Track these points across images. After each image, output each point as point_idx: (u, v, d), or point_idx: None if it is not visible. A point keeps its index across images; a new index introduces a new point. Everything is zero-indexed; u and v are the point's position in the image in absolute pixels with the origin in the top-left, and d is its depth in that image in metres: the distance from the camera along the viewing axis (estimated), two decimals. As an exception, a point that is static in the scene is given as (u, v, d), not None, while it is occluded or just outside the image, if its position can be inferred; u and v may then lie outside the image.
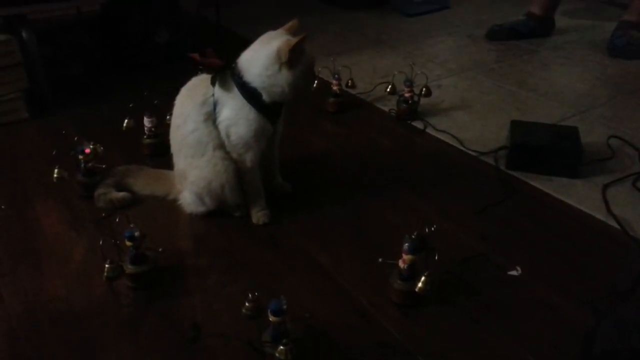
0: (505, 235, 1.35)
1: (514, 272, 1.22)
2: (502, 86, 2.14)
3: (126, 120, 1.70)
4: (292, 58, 1.21)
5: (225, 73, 1.28)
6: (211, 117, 1.30)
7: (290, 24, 1.30)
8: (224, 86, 1.28)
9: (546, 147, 1.56)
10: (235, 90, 1.27)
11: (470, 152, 1.69)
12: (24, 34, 1.87)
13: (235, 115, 1.28)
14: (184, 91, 1.36)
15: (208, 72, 1.31)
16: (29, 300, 1.17)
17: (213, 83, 1.29)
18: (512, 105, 1.99)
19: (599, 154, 1.64)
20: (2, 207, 1.45)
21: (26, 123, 1.88)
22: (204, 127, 1.30)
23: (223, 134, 1.30)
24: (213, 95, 1.29)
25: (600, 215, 1.40)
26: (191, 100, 1.32)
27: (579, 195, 1.48)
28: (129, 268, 1.18)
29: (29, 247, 1.32)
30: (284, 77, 1.23)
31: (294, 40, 1.21)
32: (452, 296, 1.16)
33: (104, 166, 1.47)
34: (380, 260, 1.13)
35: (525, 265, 1.24)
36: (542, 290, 1.18)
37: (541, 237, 1.34)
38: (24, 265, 1.26)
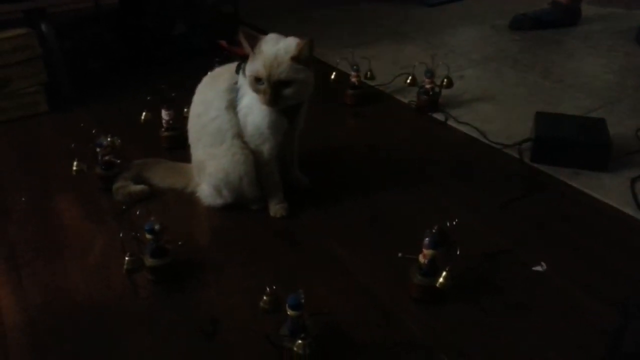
0: (530, 230, 1.32)
1: (538, 268, 1.19)
2: (527, 77, 2.09)
3: (144, 114, 1.70)
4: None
5: None
6: (233, 104, 1.30)
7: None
8: None
9: (572, 140, 1.51)
10: None
11: (493, 144, 1.65)
12: (43, 28, 1.89)
13: (254, 103, 1.27)
14: (206, 79, 1.37)
15: (235, 60, 1.31)
16: (49, 291, 1.17)
17: (237, 71, 1.30)
18: (537, 96, 1.94)
19: (627, 146, 1.59)
20: (22, 199, 1.46)
21: (45, 116, 1.90)
22: (225, 114, 1.30)
23: (242, 122, 1.30)
24: (237, 82, 1.29)
25: (630, 210, 1.36)
26: (214, 88, 1.32)
27: (607, 189, 1.43)
28: (149, 261, 1.18)
29: (48, 239, 1.33)
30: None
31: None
32: (474, 292, 1.14)
33: (118, 161, 1.48)
34: (400, 255, 1.11)
35: (550, 261, 1.20)
36: (567, 287, 1.15)
37: (567, 233, 1.31)
38: (44, 257, 1.27)
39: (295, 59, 1.19)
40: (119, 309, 1.13)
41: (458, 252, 1.10)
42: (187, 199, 1.44)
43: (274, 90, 1.19)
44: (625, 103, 1.86)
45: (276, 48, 1.19)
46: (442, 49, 2.35)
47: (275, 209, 1.38)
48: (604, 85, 2.00)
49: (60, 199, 1.46)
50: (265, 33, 1.27)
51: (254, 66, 1.20)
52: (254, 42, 1.21)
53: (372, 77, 2.03)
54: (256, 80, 1.21)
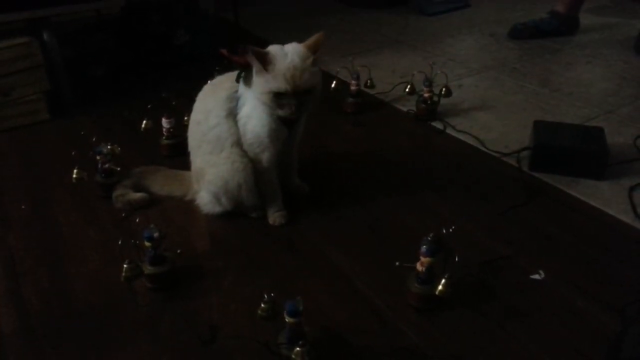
0: (528, 238, 1.32)
1: (536, 276, 1.19)
2: (525, 86, 2.10)
3: (144, 121, 1.71)
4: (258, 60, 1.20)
5: (251, 71, 1.28)
6: (233, 113, 1.30)
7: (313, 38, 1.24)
8: (248, 83, 1.28)
9: (570, 148, 1.52)
10: None
11: (492, 153, 1.66)
12: (45, 36, 1.90)
13: (253, 112, 1.28)
14: (207, 87, 1.38)
15: (236, 69, 1.32)
16: (48, 298, 1.17)
17: (238, 80, 1.30)
18: (536, 105, 1.95)
19: (625, 155, 1.60)
20: (22, 207, 1.47)
21: (47, 124, 1.91)
22: (225, 123, 1.31)
23: (241, 130, 1.31)
24: (237, 91, 1.30)
25: (627, 218, 1.36)
26: (215, 96, 1.33)
27: (605, 197, 1.44)
28: (148, 269, 1.18)
29: (48, 247, 1.33)
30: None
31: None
32: (473, 300, 1.13)
33: (118, 169, 1.48)
34: (397, 264, 1.11)
35: (549, 269, 1.20)
36: (565, 294, 1.15)
37: (565, 240, 1.31)
38: (43, 264, 1.27)
39: (312, 50, 1.20)
40: (117, 316, 1.13)
41: (457, 259, 1.11)
42: (186, 206, 1.44)
43: (299, 101, 1.20)
44: (624, 112, 1.87)
45: (289, 60, 1.19)
46: (441, 58, 2.37)
47: (274, 216, 1.38)
48: (602, 94, 2.00)
49: (60, 207, 1.47)
50: (266, 42, 1.28)
51: (274, 83, 1.18)
52: (266, 60, 1.19)
53: (372, 86, 2.04)
54: (277, 96, 1.20)
